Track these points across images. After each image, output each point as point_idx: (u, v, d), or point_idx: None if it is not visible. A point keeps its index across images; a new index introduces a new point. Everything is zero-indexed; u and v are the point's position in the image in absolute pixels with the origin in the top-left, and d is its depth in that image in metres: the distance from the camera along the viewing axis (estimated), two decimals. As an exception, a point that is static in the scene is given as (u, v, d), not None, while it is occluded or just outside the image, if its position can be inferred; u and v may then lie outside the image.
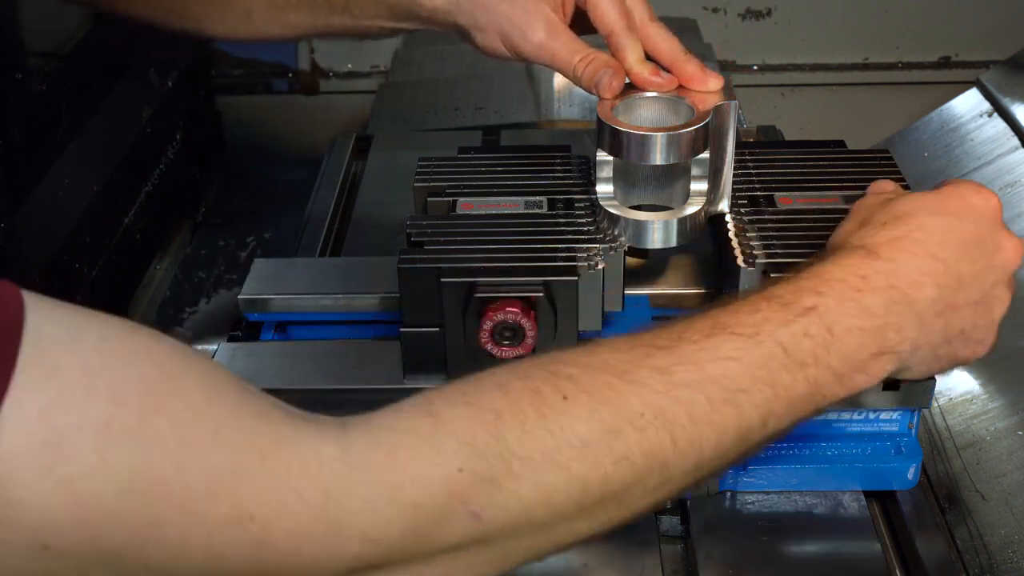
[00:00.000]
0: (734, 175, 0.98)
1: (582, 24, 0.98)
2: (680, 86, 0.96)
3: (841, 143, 1.13)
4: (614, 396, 0.71)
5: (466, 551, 0.68)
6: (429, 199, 1.04)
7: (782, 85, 2.30)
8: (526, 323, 0.90)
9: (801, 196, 1.02)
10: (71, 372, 0.58)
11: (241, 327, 1.12)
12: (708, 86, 0.95)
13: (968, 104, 1.58)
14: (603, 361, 0.73)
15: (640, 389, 0.71)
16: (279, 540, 0.62)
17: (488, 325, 0.90)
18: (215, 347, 1.09)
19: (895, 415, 0.97)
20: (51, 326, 0.59)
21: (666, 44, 0.97)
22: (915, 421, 0.98)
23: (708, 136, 0.93)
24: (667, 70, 0.96)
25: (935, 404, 1.16)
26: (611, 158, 0.95)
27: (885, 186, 0.93)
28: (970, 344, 0.84)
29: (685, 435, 0.72)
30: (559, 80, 1.81)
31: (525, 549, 0.71)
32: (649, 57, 0.96)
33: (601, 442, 0.69)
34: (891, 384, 0.92)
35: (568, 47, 0.96)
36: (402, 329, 0.95)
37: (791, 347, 0.75)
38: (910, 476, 0.98)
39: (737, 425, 0.74)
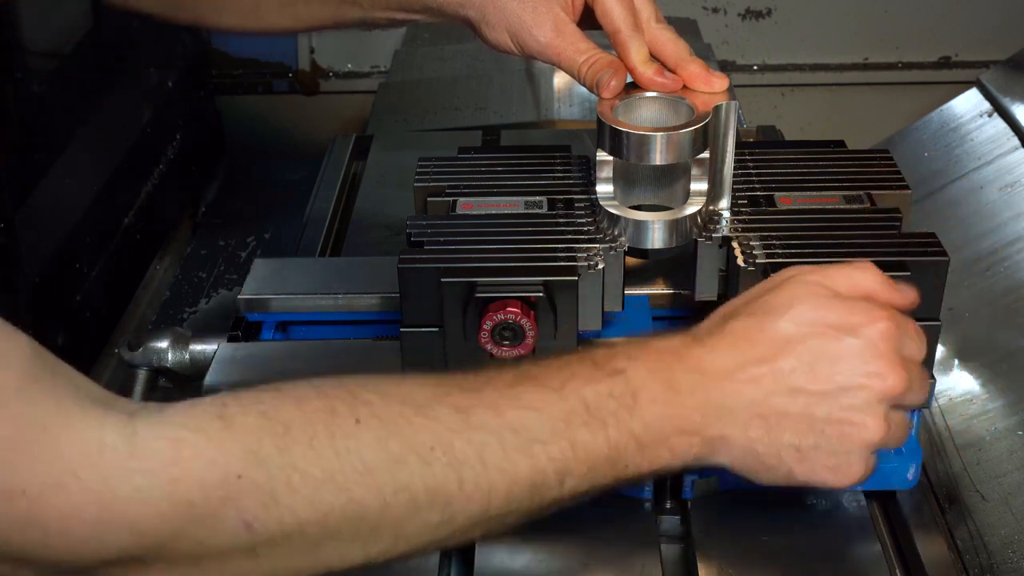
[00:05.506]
0: (734, 175, 0.98)
1: (591, 21, 0.98)
2: (684, 87, 0.96)
3: (841, 143, 1.13)
4: (406, 427, 0.71)
5: (233, 560, 0.69)
6: (429, 199, 1.04)
7: (782, 85, 2.31)
8: (526, 323, 0.90)
9: (801, 196, 1.02)
10: None
11: (241, 327, 1.12)
12: (713, 87, 0.95)
13: (968, 104, 1.58)
14: (405, 392, 0.73)
15: (434, 424, 0.72)
16: (49, 518, 0.63)
17: (488, 325, 0.90)
18: (215, 347, 1.09)
19: (895, 415, 0.97)
20: None
21: (672, 45, 0.96)
22: (915, 421, 0.98)
23: (708, 136, 0.93)
24: (672, 71, 0.96)
25: (935, 404, 1.16)
26: (611, 158, 0.95)
27: (857, 273, 0.83)
28: (813, 466, 0.78)
29: (473, 477, 0.72)
30: (559, 80, 1.81)
31: (293, 569, 0.71)
32: (654, 58, 0.96)
33: (384, 470, 0.70)
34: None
35: (574, 47, 0.96)
36: (402, 329, 0.95)
37: (593, 405, 0.75)
38: (910, 476, 0.98)
39: (530, 476, 0.73)
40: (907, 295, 0.82)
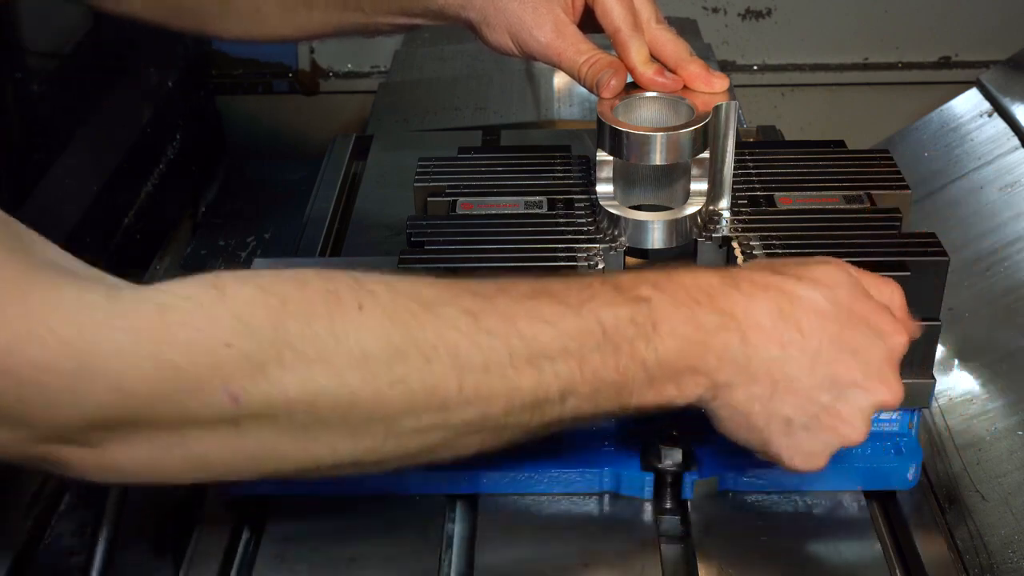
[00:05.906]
0: (734, 175, 0.98)
1: (591, 23, 0.98)
2: (684, 87, 0.96)
3: (841, 143, 1.13)
4: (411, 321, 0.69)
5: (217, 432, 0.67)
6: (429, 199, 1.04)
7: (782, 85, 2.31)
8: (526, 323, 0.90)
9: (801, 196, 1.02)
10: None
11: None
12: (713, 87, 0.95)
13: (968, 104, 1.58)
14: (413, 289, 0.71)
15: (441, 323, 0.69)
16: (22, 369, 0.61)
17: (488, 325, 0.90)
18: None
19: (895, 415, 0.97)
20: None
21: (672, 45, 0.97)
22: (915, 421, 0.98)
23: (708, 136, 0.93)
24: (672, 71, 0.96)
25: (935, 404, 1.16)
26: (611, 158, 0.95)
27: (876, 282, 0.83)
28: (792, 444, 0.79)
29: (474, 382, 0.70)
30: (559, 80, 1.81)
31: (280, 454, 0.69)
32: (654, 58, 0.96)
33: (383, 360, 0.67)
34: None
35: (574, 47, 0.96)
36: (402, 329, 0.94)
37: (611, 328, 0.73)
38: (910, 476, 0.98)
39: (533, 390, 0.71)
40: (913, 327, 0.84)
